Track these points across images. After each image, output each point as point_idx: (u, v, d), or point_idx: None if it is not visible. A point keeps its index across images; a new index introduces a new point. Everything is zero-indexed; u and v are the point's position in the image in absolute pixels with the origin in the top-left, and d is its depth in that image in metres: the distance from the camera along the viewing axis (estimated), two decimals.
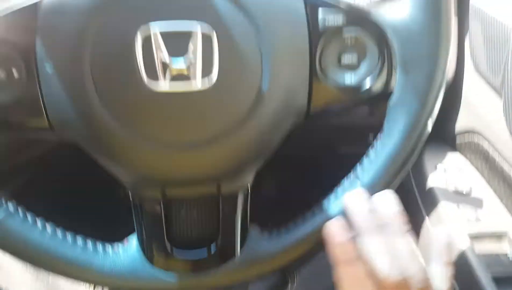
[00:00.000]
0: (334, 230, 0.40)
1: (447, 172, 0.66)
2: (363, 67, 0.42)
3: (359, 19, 0.41)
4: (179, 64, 0.36)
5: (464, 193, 0.63)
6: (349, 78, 0.42)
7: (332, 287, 0.41)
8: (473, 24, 0.70)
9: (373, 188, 0.42)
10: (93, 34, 0.36)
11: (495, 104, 0.62)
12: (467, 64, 0.70)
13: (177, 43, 0.36)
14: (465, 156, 0.69)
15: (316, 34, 0.40)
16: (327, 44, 0.41)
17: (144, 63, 0.36)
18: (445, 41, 0.41)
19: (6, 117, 0.39)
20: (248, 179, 0.44)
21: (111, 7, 0.37)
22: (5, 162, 0.64)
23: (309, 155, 0.89)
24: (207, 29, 0.36)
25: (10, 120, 0.39)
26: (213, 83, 0.37)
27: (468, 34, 0.71)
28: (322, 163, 0.91)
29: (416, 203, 0.68)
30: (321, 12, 0.40)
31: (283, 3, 0.40)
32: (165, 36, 0.36)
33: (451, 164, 0.68)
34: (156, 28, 0.36)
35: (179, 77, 0.36)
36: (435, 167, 0.67)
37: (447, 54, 0.41)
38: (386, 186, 0.42)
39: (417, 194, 0.69)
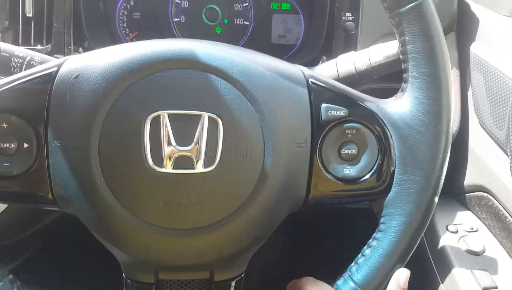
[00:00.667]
0: None
1: (459, 232, 0.63)
2: (363, 161, 0.42)
3: (361, 112, 0.42)
4: (184, 148, 0.37)
5: (477, 254, 0.60)
6: (348, 171, 0.42)
7: None
8: (475, 75, 0.68)
9: (365, 287, 0.41)
10: (104, 116, 0.38)
11: (502, 160, 0.59)
12: (472, 117, 0.68)
13: (184, 127, 0.38)
14: (476, 214, 0.66)
15: (318, 124, 0.41)
16: (328, 134, 0.42)
17: (150, 146, 0.37)
18: (444, 144, 0.40)
19: (12, 187, 0.40)
20: (242, 268, 0.44)
21: (124, 91, 0.38)
22: (11, 237, 0.66)
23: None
24: (214, 114, 0.38)
25: (16, 190, 0.40)
26: (216, 166, 0.38)
27: (470, 86, 0.70)
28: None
29: (430, 265, 0.65)
30: (324, 103, 0.41)
31: (288, 92, 0.41)
32: (173, 120, 0.38)
33: (463, 224, 0.65)
34: (165, 114, 0.37)
35: (184, 160, 0.38)
36: (447, 228, 0.64)
37: (446, 156, 0.41)
38: (379, 284, 0.41)
39: (429, 255, 0.66)
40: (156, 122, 0.38)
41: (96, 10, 0.71)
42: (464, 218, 0.66)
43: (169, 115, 0.38)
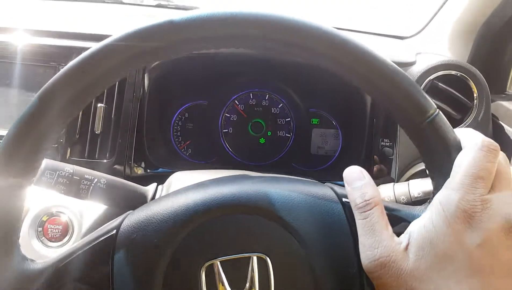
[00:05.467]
0: (353, 175, 0.42)
1: None
2: None
3: (402, 226, 0.42)
4: None
5: None
6: None
7: None
8: None
9: None
10: (163, 270, 0.41)
11: None
12: None
13: (236, 270, 0.40)
14: None
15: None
16: None
17: None
18: None
19: None
20: None
21: (178, 247, 0.41)
22: None
23: None
24: (262, 254, 0.41)
25: None
26: None
27: None
28: None
29: None
30: None
31: (326, 215, 0.43)
32: (225, 265, 0.40)
33: None
34: (218, 262, 0.41)
35: None
36: None
37: None
38: None
39: None
40: (210, 269, 0.41)
41: (155, 125, 0.78)
42: None
43: (221, 261, 0.41)
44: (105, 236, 0.43)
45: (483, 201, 0.36)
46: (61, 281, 0.42)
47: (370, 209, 0.40)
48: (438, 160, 0.41)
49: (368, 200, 0.41)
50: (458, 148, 0.41)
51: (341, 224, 0.43)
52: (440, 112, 0.41)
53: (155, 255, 0.42)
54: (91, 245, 0.43)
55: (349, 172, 0.43)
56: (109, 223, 0.45)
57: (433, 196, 0.43)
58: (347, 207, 0.43)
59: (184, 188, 0.47)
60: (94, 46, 0.39)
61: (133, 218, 0.44)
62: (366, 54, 0.40)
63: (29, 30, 0.74)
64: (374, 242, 0.39)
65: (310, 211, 0.43)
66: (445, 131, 0.41)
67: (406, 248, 0.38)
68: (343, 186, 0.78)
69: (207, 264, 0.41)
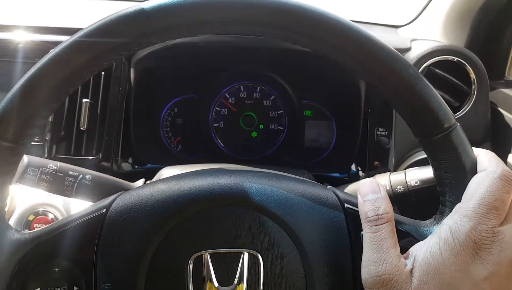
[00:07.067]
0: (367, 188, 0.40)
1: None
2: None
3: (400, 238, 0.40)
4: (226, 288, 0.38)
5: None
6: None
7: None
8: None
9: None
10: (149, 259, 0.39)
11: None
12: None
13: (226, 265, 0.39)
14: None
15: (358, 252, 0.40)
16: None
17: (193, 286, 0.38)
18: None
19: None
20: None
21: (168, 234, 0.40)
22: None
23: None
24: (254, 251, 0.39)
25: None
26: None
27: None
28: None
29: None
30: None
31: (326, 220, 0.41)
32: (215, 259, 0.39)
33: None
34: (207, 253, 0.39)
35: None
36: None
37: None
38: None
39: None
40: (198, 261, 0.39)
41: (143, 120, 0.76)
42: None
43: (210, 254, 0.39)
44: (94, 215, 0.41)
45: (494, 233, 0.35)
46: (44, 255, 0.40)
47: (381, 224, 0.38)
48: (451, 177, 0.40)
49: (381, 214, 0.39)
50: (474, 170, 0.39)
51: (341, 230, 0.41)
52: (459, 126, 0.39)
53: (143, 240, 0.40)
54: (78, 222, 0.41)
55: (364, 184, 0.41)
56: (100, 201, 0.43)
57: (439, 212, 0.41)
58: (348, 213, 0.42)
59: (182, 175, 0.45)
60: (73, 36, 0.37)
61: (124, 199, 0.42)
62: (383, 52, 0.38)
63: (17, 26, 0.72)
64: (380, 258, 0.37)
65: (310, 213, 0.41)
66: (462, 149, 0.39)
67: (411, 271, 0.36)
68: (341, 179, 0.76)
69: (195, 255, 0.39)
